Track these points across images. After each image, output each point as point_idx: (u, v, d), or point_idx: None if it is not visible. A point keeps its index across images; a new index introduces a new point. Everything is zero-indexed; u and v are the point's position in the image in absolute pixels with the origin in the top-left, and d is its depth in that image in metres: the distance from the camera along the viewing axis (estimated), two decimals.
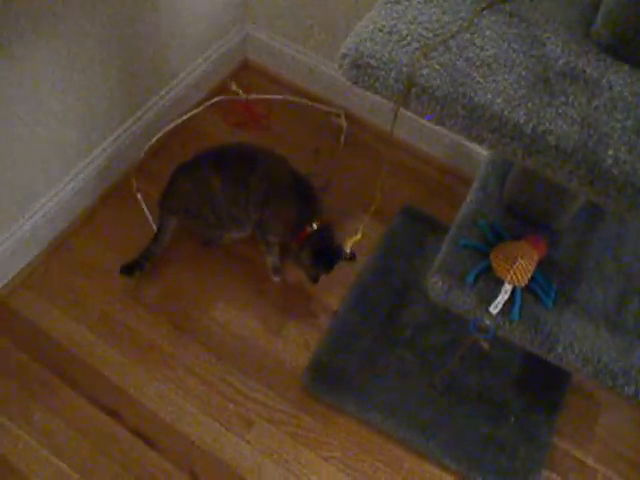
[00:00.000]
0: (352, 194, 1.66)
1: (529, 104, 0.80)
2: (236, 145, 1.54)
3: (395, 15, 0.88)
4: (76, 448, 1.30)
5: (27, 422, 1.32)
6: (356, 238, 1.18)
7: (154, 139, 1.69)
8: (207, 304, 1.49)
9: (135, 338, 1.43)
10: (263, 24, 1.81)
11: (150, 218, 1.59)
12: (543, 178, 1.07)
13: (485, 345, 1.11)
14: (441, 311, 1.49)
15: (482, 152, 1.63)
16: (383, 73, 0.83)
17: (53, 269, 1.51)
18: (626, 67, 0.85)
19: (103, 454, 1.30)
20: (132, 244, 1.52)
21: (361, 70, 0.84)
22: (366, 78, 0.84)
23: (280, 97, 1.85)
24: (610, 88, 0.83)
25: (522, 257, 1.07)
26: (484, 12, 0.90)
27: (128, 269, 1.46)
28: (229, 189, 1.42)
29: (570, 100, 0.81)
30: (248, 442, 1.33)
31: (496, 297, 1.06)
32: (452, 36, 0.86)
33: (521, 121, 0.79)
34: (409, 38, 0.85)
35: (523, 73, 0.83)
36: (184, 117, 1.75)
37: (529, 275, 1.08)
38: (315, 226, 1.38)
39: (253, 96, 1.84)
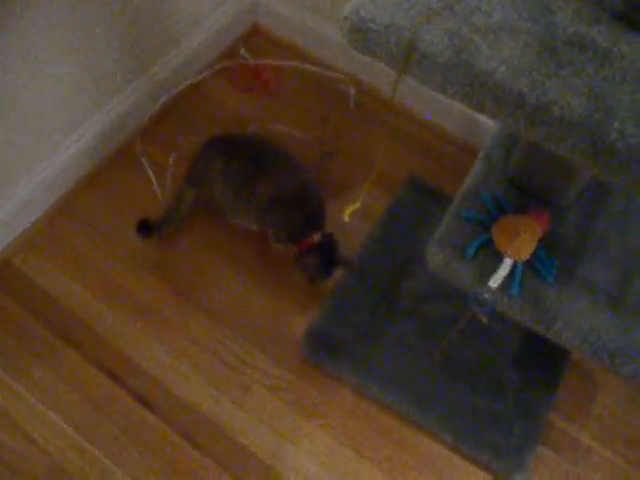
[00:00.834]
0: (358, 163, 1.64)
1: (534, 73, 0.77)
2: (254, 138, 1.52)
3: None
4: (76, 407, 1.32)
5: (28, 380, 1.34)
6: (354, 207, 1.17)
7: (160, 102, 1.67)
8: (209, 271, 1.49)
9: (137, 302, 1.44)
10: None
11: (154, 182, 1.58)
12: (549, 152, 1.05)
13: (484, 319, 1.10)
14: (442, 283, 1.48)
15: (491, 125, 1.60)
16: (383, 37, 0.81)
17: (56, 230, 1.51)
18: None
19: (102, 414, 1.31)
20: (135, 207, 1.53)
21: (361, 34, 0.82)
22: (366, 42, 0.82)
23: (289, 63, 1.82)
24: (621, 58, 0.80)
25: (524, 231, 1.06)
26: None
27: (145, 229, 1.46)
28: (231, 179, 1.41)
29: (577, 70, 0.78)
30: (244, 407, 1.34)
31: (496, 271, 1.05)
32: (458, 1, 0.83)
33: (524, 90, 0.76)
34: (412, 1, 0.82)
35: (529, 41, 0.80)
36: (191, 81, 1.73)
37: (531, 250, 1.06)
38: (319, 236, 1.37)
39: (262, 61, 1.81)
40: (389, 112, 1.70)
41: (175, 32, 1.63)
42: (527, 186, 1.14)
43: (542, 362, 1.41)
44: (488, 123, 1.61)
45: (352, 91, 1.76)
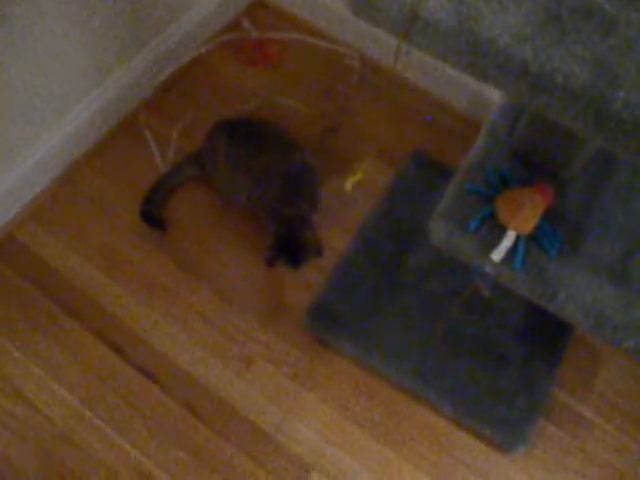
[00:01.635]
0: (361, 137, 1.63)
1: (537, 41, 0.76)
2: (257, 120, 1.51)
3: None
4: (80, 379, 1.33)
5: (33, 351, 1.35)
6: (356, 177, 1.16)
7: (164, 75, 1.66)
8: (213, 247, 1.49)
9: (140, 275, 1.44)
10: None
11: (157, 155, 1.58)
12: (554, 124, 1.03)
13: (486, 292, 1.09)
14: (446, 258, 1.48)
15: (496, 99, 1.58)
16: (386, 4, 0.79)
17: (59, 203, 1.51)
18: None
19: (106, 386, 1.32)
20: (139, 180, 1.52)
21: (363, 3, 0.80)
22: (369, 9, 0.80)
23: (293, 36, 1.80)
24: (627, 25, 0.78)
25: (528, 204, 1.05)
26: None
27: (150, 219, 1.47)
28: (231, 157, 1.42)
29: (582, 38, 0.76)
30: (247, 380, 1.35)
31: (499, 244, 1.04)
32: None
33: (528, 58, 0.75)
34: None
35: (534, 9, 0.79)
36: (194, 54, 1.72)
37: (534, 223, 1.05)
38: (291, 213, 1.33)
39: (266, 35, 1.79)
40: (391, 84, 1.68)
41: (178, 3, 1.61)
42: (531, 159, 1.13)
43: (545, 337, 1.41)
44: (493, 97, 1.59)
45: (356, 65, 1.74)
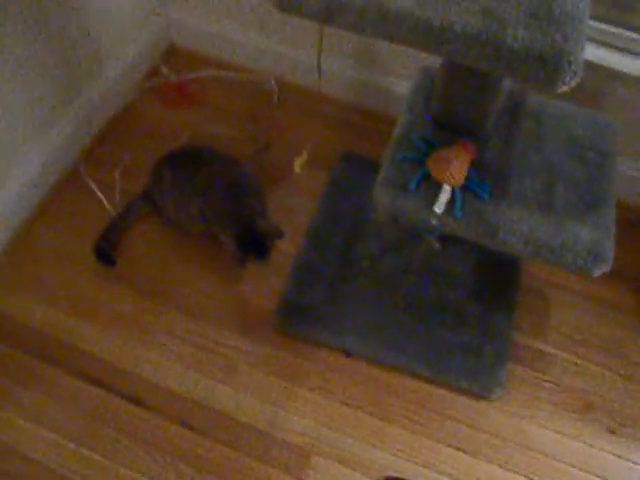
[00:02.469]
0: (291, 149, 1.74)
1: (434, 3, 0.90)
2: (192, 148, 1.61)
3: None
4: (69, 420, 1.34)
5: (17, 405, 1.35)
6: (303, 158, 1.26)
7: (97, 126, 1.73)
8: (168, 271, 1.55)
9: (107, 311, 1.48)
10: (184, 7, 1.87)
11: (105, 201, 1.63)
12: (462, 85, 1.18)
13: (436, 245, 1.21)
14: (391, 240, 1.60)
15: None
16: None
17: (16, 260, 1.54)
18: None
19: (96, 421, 1.34)
20: (91, 227, 1.57)
21: None
22: (292, 4, 0.93)
23: (209, 73, 1.92)
24: None
25: (455, 159, 1.18)
26: None
27: (104, 257, 1.52)
28: (176, 185, 1.51)
29: None
30: (233, 386, 1.40)
31: (438, 198, 1.17)
32: None
33: (430, 18, 0.89)
34: None
35: None
36: (122, 103, 1.80)
37: (464, 174, 1.18)
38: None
39: (184, 76, 1.90)
40: (308, 98, 1.82)
41: (100, 60, 1.70)
42: (450, 124, 1.27)
43: (496, 290, 1.54)
44: (403, 92, 1.74)
45: (274, 87, 1.88)
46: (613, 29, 1.47)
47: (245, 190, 1.45)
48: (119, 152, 1.72)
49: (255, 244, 1.37)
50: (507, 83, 1.24)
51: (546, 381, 1.44)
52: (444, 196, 1.17)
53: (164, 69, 1.91)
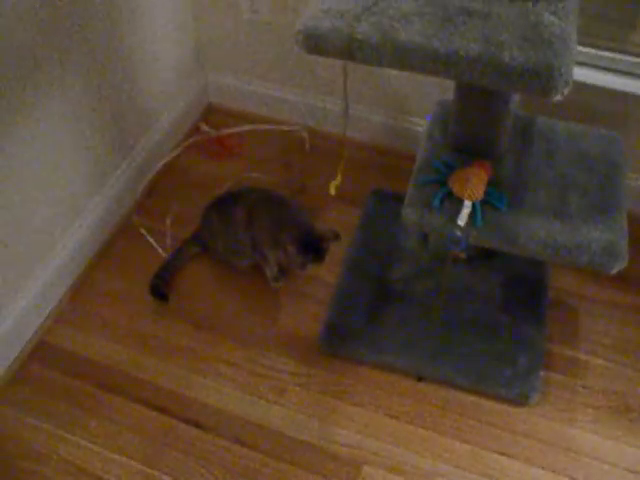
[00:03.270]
0: (325, 189, 1.89)
1: (440, 35, 1.05)
2: (235, 191, 1.78)
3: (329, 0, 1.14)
4: (135, 443, 1.45)
5: (85, 431, 1.46)
6: (337, 182, 1.40)
7: (146, 180, 1.91)
8: (221, 305, 1.68)
9: (164, 343, 1.61)
10: (220, 70, 2.09)
11: (157, 246, 1.79)
12: (474, 111, 1.32)
13: (462, 255, 1.32)
14: (424, 264, 1.71)
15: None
16: (329, 38, 1.08)
17: (80, 303, 1.69)
18: (504, 1, 1.11)
19: (159, 443, 1.45)
20: (145, 270, 1.72)
21: (312, 40, 1.09)
22: (317, 45, 1.09)
23: (246, 128, 2.10)
24: (498, 16, 1.09)
25: (474, 177, 1.31)
26: None
27: (158, 293, 1.67)
28: (223, 222, 1.67)
29: (470, 27, 1.06)
30: (284, 406, 1.50)
31: (460, 212, 1.29)
32: (373, 4, 1.11)
33: (437, 47, 1.04)
34: (342, 12, 1.11)
35: (431, 18, 1.09)
36: (167, 159, 1.99)
37: (482, 190, 1.30)
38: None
39: (223, 131, 2.09)
40: (339, 144, 1.98)
41: (146, 119, 1.90)
42: (467, 147, 1.40)
43: (524, 304, 1.62)
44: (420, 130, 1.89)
45: (305, 136, 2.05)
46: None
47: (288, 202, 1.63)
48: (168, 202, 1.89)
49: (314, 247, 1.50)
50: (514, 106, 1.37)
51: (582, 386, 1.51)
52: (465, 210, 1.29)
53: (204, 126, 2.10)
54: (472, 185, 1.30)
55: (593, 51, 1.60)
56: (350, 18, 1.08)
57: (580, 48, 1.48)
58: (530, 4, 1.10)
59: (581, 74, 1.60)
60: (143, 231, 1.83)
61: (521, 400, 1.47)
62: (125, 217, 1.86)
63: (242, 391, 1.52)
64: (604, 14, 1.57)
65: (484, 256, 1.66)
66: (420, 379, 1.52)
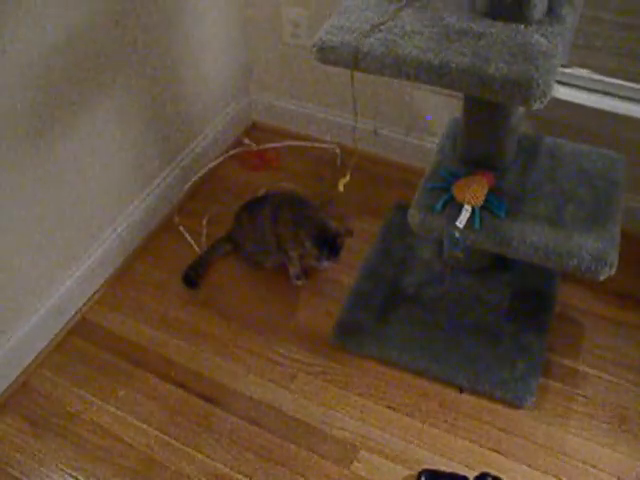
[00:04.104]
0: (354, 202, 2.03)
1: (435, 49, 1.19)
2: (263, 196, 1.95)
3: (344, 18, 1.30)
4: (155, 413, 1.59)
5: (114, 399, 1.62)
6: (345, 179, 1.53)
7: (188, 184, 2.10)
8: (248, 300, 1.82)
9: (192, 329, 1.76)
10: (263, 90, 2.28)
11: (193, 243, 1.96)
12: (480, 124, 1.44)
13: (460, 255, 1.42)
14: (436, 273, 1.81)
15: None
16: (340, 50, 1.23)
17: (119, 288, 1.87)
18: (499, 23, 1.24)
19: (177, 414, 1.59)
20: (181, 264, 1.89)
21: (326, 52, 1.25)
22: (329, 56, 1.25)
23: (285, 144, 2.28)
24: (490, 35, 1.22)
25: (475, 184, 1.42)
26: (403, 8, 1.31)
27: (190, 281, 1.84)
28: (252, 223, 1.83)
29: (463, 44, 1.20)
30: (293, 391, 1.62)
31: (460, 215, 1.40)
32: (381, 23, 1.27)
33: (431, 59, 1.17)
34: (353, 29, 1.26)
35: (431, 36, 1.23)
36: (210, 166, 2.18)
37: (482, 196, 1.41)
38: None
39: (263, 146, 2.27)
40: (367, 161, 2.13)
41: (193, 131, 2.10)
42: (473, 159, 1.52)
43: (529, 315, 1.69)
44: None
45: (337, 152, 2.20)
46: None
47: (309, 203, 1.78)
48: (206, 205, 2.08)
49: (328, 242, 1.63)
50: (519, 123, 1.48)
51: (579, 395, 1.56)
52: (465, 214, 1.40)
53: (246, 140, 2.29)
54: (472, 191, 1.41)
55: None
56: (359, 34, 1.24)
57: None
58: (522, 27, 1.22)
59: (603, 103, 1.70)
60: (182, 229, 2.01)
61: (516, 402, 1.54)
62: (167, 216, 2.05)
63: (255, 374, 1.65)
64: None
65: (496, 268, 1.75)
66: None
